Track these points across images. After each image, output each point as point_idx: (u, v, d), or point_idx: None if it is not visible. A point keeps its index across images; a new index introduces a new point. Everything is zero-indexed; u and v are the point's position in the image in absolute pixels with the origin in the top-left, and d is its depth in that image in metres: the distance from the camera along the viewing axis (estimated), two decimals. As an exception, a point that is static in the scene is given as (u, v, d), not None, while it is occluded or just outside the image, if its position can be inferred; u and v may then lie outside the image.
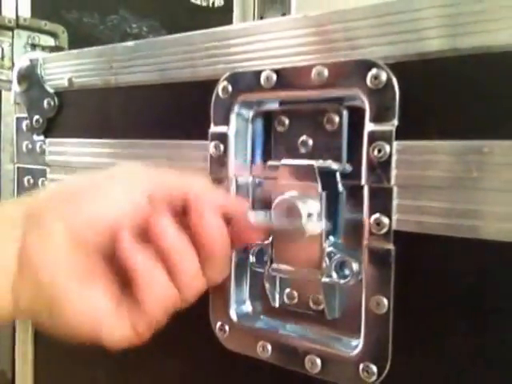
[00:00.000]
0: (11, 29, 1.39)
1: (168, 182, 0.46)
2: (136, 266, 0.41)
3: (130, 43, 0.63)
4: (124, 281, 0.42)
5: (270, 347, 0.52)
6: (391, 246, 0.44)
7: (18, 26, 1.40)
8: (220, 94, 0.54)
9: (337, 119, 0.50)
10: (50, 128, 0.73)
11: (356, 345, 0.47)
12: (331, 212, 0.49)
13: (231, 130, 0.54)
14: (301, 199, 0.49)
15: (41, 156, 0.74)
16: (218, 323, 0.55)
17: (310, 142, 0.51)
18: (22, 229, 0.42)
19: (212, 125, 0.55)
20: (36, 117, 0.73)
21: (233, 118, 0.54)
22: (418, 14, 0.43)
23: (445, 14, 0.42)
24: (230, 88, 0.54)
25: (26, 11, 1.42)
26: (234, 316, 0.55)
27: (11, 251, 0.41)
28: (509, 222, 0.39)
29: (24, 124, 0.75)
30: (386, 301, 0.45)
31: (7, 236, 0.42)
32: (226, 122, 0.54)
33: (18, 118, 0.77)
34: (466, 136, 0.41)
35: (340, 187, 0.50)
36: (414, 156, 0.43)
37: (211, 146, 0.55)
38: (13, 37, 1.40)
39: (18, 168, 0.78)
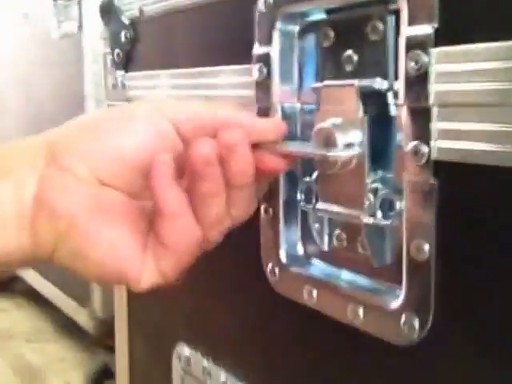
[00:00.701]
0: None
1: (195, 109, 0.43)
2: (167, 203, 0.39)
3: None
4: (150, 220, 0.41)
5: (315, 293, 0.48)
6: (431, 180, 0.37)
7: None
8: (262, 7, 0.50)
9: (381, 26, 0.42)
10: (129, 61, 0.73)
11: (398, 296, 0.41)
12: (377, 140, 0.43)
13: (274, 49, 0.49)
14: (340, 127, 0.43)
15: (123, 91, 0.75)
16: (269, 265, 0.52)
17: (355, 57, 0.45)
18: (43, 160, 0.41)
19: (256, 45, 0.51)
20: (117, 51, 0.74)
21: (276, 35, 0.49)
22: None
23: None
24: (271, 1, 0.49)
25: None
26: (284, 258, 0.51)
27: (30, 181, 0.40)
28: None
29: (109, 59, 0.77)
30: (427, 246, 0.38)
31: (28, 164, 0.41)
32: (269, 40, 0.49)
33: (104, 54, 0.78)
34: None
35: (387, 110, 0.43)
36: (456, 66, 0.35)
37: (255, 70, 0.51)
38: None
39: (109, 106, 0.80)
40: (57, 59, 1.76)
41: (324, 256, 0.50)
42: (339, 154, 0.42)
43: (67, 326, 1.95)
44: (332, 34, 0.47)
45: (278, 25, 0.49)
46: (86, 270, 0.40)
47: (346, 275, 0.48)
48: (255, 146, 0.41)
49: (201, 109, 0.43)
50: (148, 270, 0.40)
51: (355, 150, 0.42)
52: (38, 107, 1.86)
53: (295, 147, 0.43)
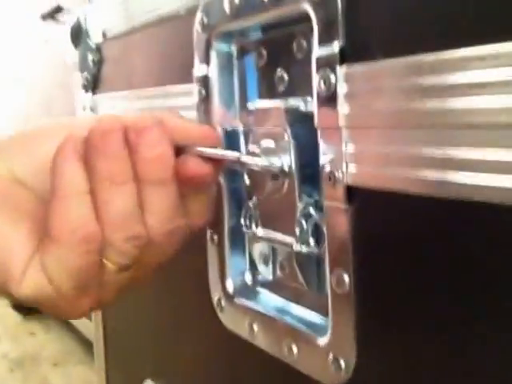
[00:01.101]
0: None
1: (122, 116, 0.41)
2: (63, 180, 0.35)
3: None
4: None
5: (256, 328, 0.46)
6: (345, 206, 0.36)
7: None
8: (198, 28, 0.49)
9: (305, 44, 0.41)
10: (97, 84, 0.73)
11: (327, 331, 0.39)
12: (304, 162, 0.41)
13: (212, 69, 0.48)
14: (269, 149, 0.42)
15: (93, 114, 0.75)
16: (216, 296, 0.51)
17: (286, 76, 0.44)
18: None
19: (196, 66, 0.50)
20: (85, 74, 0.74)
21: (213, 55, 0.48)
22: None
23: None
24: (205, 20, 0.48)
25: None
26: (230, 289, 0.50)
27: None
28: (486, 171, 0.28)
29: (79, 82, 0.77)
30: (347, 277, 0.36)
31: None
32: (208, 61, 0.49)
33: (75, 77, 0.79)
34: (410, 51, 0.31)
35: (314, 131, 0.41)
36: (362, 84, 0.34)
37: (195, 91, 0.50)
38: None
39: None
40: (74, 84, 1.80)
41: (270, 286, 0.48)
42: (252, 159, 0.41)
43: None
44: (265, 52, 0.46)
45: (215, 44, 0.48)
46: None
47: (288, 307, 0.46)
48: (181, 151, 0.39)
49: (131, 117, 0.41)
50: (33, 269, 0.36)
51: (273, 165, 0.41)
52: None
53: (214, 151, 0.41)
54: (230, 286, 0.50)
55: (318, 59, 0.36)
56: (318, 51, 0.36)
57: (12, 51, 2.29)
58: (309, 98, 0.41)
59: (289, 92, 0.43)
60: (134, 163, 0.35)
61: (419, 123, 0.31)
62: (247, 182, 0.44)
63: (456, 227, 0.31)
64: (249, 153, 0.43)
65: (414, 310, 0.34)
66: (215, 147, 0.40)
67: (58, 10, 1.66)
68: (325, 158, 0.37)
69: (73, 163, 0.35)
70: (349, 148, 0.35)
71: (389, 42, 0.33)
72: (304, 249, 0.41)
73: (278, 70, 0.44)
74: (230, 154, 0.42)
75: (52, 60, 2.00)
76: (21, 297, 0.36)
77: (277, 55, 0.44)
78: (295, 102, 0.41)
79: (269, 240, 0.45)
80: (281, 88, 0.44)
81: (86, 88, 0.74)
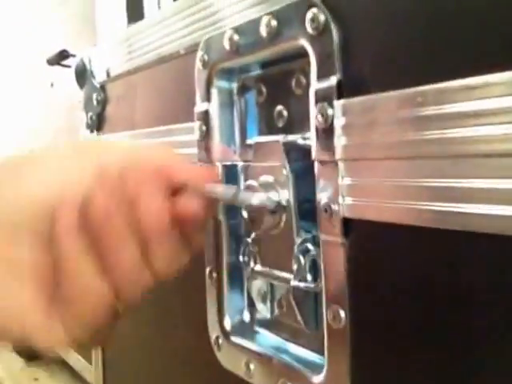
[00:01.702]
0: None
1: (118, 153, 0.41)
2: (67, 252, 0.35)
3: (138, 23, 0.61)
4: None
5: (252, 367, 0.45)
6: (341, 239, 0.35)
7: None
8: (199, 65, 0.49)
9: (304, 81, 0.41)
10: (101, 123, 0.74)
11: (322, 370, 0.38)
12: (302, 197, 0.41)
13: (213, 106, 0.49)
14: (267, 184, 0.42)
15: (96, 154, 0.75)
16: (214, 335, 0.50)
17: (285, 112, 0.44)
18: None
19: (197, 103, 0.50)
20: (90, 113, 0.75)
21: (214, 92, 0.49)
22: None
23: None
24: (206, 58, 0.48)
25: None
26: (228, 327, 0.49)
27: None
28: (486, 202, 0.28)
29: (84, 122, 0.78)
30: (342, 313, 0.36)
31: None
32: (209, 98, 0.49)
33: (80, 117, 0.79)
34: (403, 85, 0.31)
35: (311, 165, 0.41)
36: (359, 117, 0.34)
37: (196, 128, 0.50)
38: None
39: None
40: (79, 125, 1.82)
41: (268, 324, 0.48)
42: (249, 195, 0.40)
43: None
44: (264, 89, 0.46)
45: (215, 81, 0.48)
46: None
47: (284, 346, 0.45)
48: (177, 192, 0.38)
49: (128, 150, 0.41)
50: (49, 324, 0.37)
51: (269, 200, 0.40)
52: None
53: (211, 188, 0.40)
54: (227, 325, 0.49)
55: (315, 93, 0.36)
56: (315, 85, 0.36)
57: (16, 95, 2.32)
58: (307, 134, 0.42)
59: (288, 127, 0.44)
60: (134, 217, 0.35)
61: (415, 154, 0.31)
62: (245, 216, 0.43)
63: (455, 258, 0.30)
64: (246, 188, 0.43)
65: (411, 347, 0.33)
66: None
67: (64, 54, 1.69)
68: (321, 190, 0.36)
69: (72, 235, 0.35)
70: (345, 180, 0.35)
71: (384, 75, 0.33)
72: (301, 285, 0.41)
73: (278, 105, 0.44)
74: (228, 191, 0.41)
75: (57, 104, 2.02)
76: (39, 349, 0.37)
77: (276, 91, 0.45)
78: (294, 138, 0.41)
79: (267, 276, 0.45)
80: (280, 123, 0.44)
81: (90, 128, 0.75)
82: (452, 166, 0.29)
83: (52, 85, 2.11)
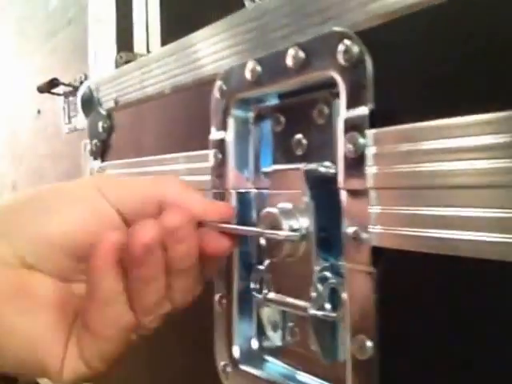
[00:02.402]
0: (143, 64, 1.46)
1: (139, 188, 0.41)
2: (101, 289, 0.35)
3: (150, 54, 0.60)
4: (78, 304, 0.38)
5: (265, 397, 0.43)
6: (370, 269, 0.34)
7: (150, 61, 1.47)
8: (216, 94, 0.48)
9: (326, 110, 0.41)
10: (106, 151, 0.72)
11: (344, 401, 0.37)
12: (325, 226, 0.40)
13: (229, 134, 0.48)
14: (287, 212, 0.41)
15: (99, 180, 0.73)
16: (222, 363, 0.48)
17: (304, 141, 0.43)
18: None
19: (212, 131, 0.49)
20: (94, 141, 0.73)
21: (230, 121, 0.48)
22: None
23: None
24: (224, 87, 0.47)
25: (156, 46, 1.48)
26: (237, 355, 0.47)
27: None
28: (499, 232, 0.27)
29: (88, 149, 0.76)
30: (369, 343, 0.34)
31: None
32: (225, 126, 0.48)
33: (84, 144, 0.78)
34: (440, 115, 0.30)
35: (333, 194, 0.40)
36: (391, 146, 0.33)
37: (211, 156, 0.49)
38: (145, 72, 1.47)
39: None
40: (65, 152, 1.79)
41: (278, 352, 0.46)
42: (277, 233, 0.39)
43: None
44: (283, 118, 0.45)
45: (233, 111, 0.47)
46: (1, 361, 0.36)
47: (294, 375, 0.43)
48: (199, 225, 0.38)
49: (145, 187, 0.41)
50: (71, 360, 0.36)
51: (294, 234, 0.39)
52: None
53: (237, 226, 0.40)
54: (236, 353, 0.47)
55: (345, 122, 0.35)
56: (345, 114, 0.36)
57: (3, 121, 2.29)
58: (326, 162, 0.41)
59: (307, 156, 0.43)
60: (167, 257, 0.35)
61: (446, 185, 0.30)
62: (263, 244, 0.42)
63: (485, 287, 0.29)
64: (265, 215, 0.42)
65: (442, 378, 0.31)
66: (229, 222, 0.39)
67: (55, 82, 1.66)
68: (349, 218, 0.35)
69: (111, 270, 0.35)
70: (375, 209, 0.34)
71: (418, 106, 0.32)
72: (320, 313, 0.39)
73: (297, 134, 0.43)
74: (252, 231, 0.41)
75: (44, 131, 1.99)
76: (59, 379, 0.36)
77: (295, 121, 0.44)
78: (315, 166, 0.40)
79: (280, 304, 0.43)
80: (298, 152, 0.44)
81: (94, 154, 0.73)
82: (487, 197, 0.28)
83: (39, 112, 2.09)
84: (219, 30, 0.48)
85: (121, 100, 0.68)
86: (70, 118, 1.74)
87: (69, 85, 1.58)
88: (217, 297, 0.49)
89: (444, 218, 0.30)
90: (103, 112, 0.71)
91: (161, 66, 0.57)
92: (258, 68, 0.43)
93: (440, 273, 0.31)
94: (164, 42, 1.52)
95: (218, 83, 0.48)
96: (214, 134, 0.49)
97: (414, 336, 0.33)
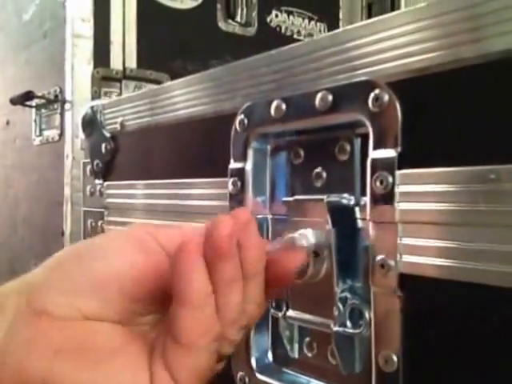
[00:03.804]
0: (119, 80, 1.47)
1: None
2: (193, 292, 0.32)
3: (167, 83, 0.62)
4: (147, 341, 0.34)
5: (285, 406, 0.46)
6: (398, 292, 0.38)
7: (125, 77, 1.48)
8: (237, 127, 0.51)
9: (348, 148, 0.44)
10: (108, 171, 0.74)
11: (368, 409, 0.40)
12: (344, 251, 0.43)
13: (248, 165, 0.50)
14: (308, 238, 0.44)
15: (100, 199, 0.75)
16: (239, 373, 0.51)
17: (324, 174, 0.46)
18: (13, 307, 0.34)
19: (232, 161, 0.52)
20: (96, 161, 0.75)
21: (250, 152, 0.50)
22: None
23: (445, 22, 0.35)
24: (246, 121, 0.50)
25: (132, 62, 1.50)
26: (254, 367, 0.50)
27: None
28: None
29: (88, 169, 0.77)
30: (395, 357, 0.38)
31: None
32: (244, 157, 0.51)
33: (84, 163, 0.79)
34: (471, 162, 0.34)
35: (353, 223, 0.44)
36: (418, 187, 0.37)
37: (230, 183, 0.52)
38: (121, 87, 1.48)
39: (84, 211, 0.79)
40: (35, 164, 1.77)
41: (294, 364, 0.49)
42: (320, 267, 0.42)
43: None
44: (302, 152, 0.48)
45: (253, 143, 0.50)
46: None
47: (315, 385, 0.46)
48: None
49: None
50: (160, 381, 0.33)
51: (332, 262, 0.42)
52: (12, 208, 1.84)
53: None
54: (254, 364, 0.50)
55: (373, 161, 0.39)
56: (373, 154, 0.39)
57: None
58: (345, 194, 0.44)
59: (325, 188, 0.46)
60: (241, 261, 0.34)
61: (466, 222, 0.34)
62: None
63: (505, 313, 0.33)
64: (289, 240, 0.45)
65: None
66: None
67: (30, 95, 1.64)
68: (377, 247, 0.39)
69: (200, 269, 0.33)
70: (403, 240, 0.37)
71: (443, 152, 0.36)
72: (341, 330, 0.42)
73: (316, 168, 0.46)
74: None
75: (12, 142, 1.96)
76: None
77: (316, 155, 0.47)
78: (336, 197, 0.44)
79: (301, 321, 0.46)
80: (317, 184, 0.47)
81: (96, 175, 0.75)
82: (503, 234, 0.32)
83: (8, 123, 2.05)
84: (243, 68, 0.51)
85: (127, 124, 0.69)
86: (41, 130, 1.72)
87: (43, 97, 1.57)
88: (235, 313, 0.51)
89: (465, 250, 0.34)
90: (107, 134, 0.73)
91: (177, 96, 0.59)
92: (284, 106, 0.46)
93: (460, 296, 0.35)
94: (140, 58, 1.54)
95: (239, 117, 0.51)
96: (234, 164, 0.51)
97: (436, 351, 0.36)
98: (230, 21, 1.75)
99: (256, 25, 1.80)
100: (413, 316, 0.37)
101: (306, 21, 1.96)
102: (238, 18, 1.77)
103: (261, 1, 1.81)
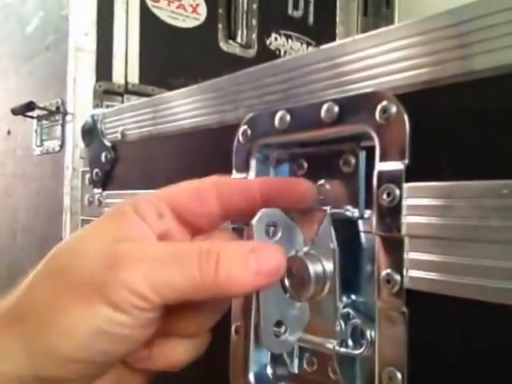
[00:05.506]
0: (121, 94, 1.46)
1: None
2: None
3: (169, 93, 0.60)
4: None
5: (283, 422, 0.44)
6: (403, 308, 0.36)
7: (127, 91, 1.47)
8: (240, 138, 0.49)
9: (353, 160, 0.42)
10: (108, 181, 0.72)
11: (370, 429, 0.38)
12: (348, 267, 0.41)
13: (251, 176, 0.48)
14: (310, 255, 0.42)
15: (99, 208, 0.72)
16: (237, 388, 0.48)
17: (328, 186, 0.44)
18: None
19: (234, 171, 0.50)
20: (96, 170, 0.73)
21: (253, 163, 0.49)
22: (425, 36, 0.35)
23: (456, 34, 0.34)
24: (249, 132, 0.48)
25: (134, 78, 1.49)
26: (253, 381, 0.48)
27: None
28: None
29: (87, 178, 0.75)
30: (399, 374, 0.36)
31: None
32: (247, 168, 0.49)
33: (82, 172, 0.77)
34: (482, 176, 0.32)
35: (357, 236, 0.42)
36: (426, 200, 0.35)
37: (231, 194, 0.50)
38: (122, 102, 1.47)
39: (82, 220, 0.77)
40: (35, 174, 1.75)
41: (294, 379, 0.47)
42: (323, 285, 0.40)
43: None
44: (306, 164, 0.46)
45: (255, 154, 0.48)
46: None
47: (314, 401, 0.44)
48: None
49: None
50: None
51: (335, 280, 0.40)
52: (12, 217, 1.81)
53: None
54: (252, 379, 0.48)
55: (380, 174, 0.37)
56: (379, 166, 0.37)
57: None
58: (348, 206, 0.42)
59: (328, 200, 0.44)
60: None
61: (475, 238, 0.32)
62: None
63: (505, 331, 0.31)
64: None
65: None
66: None
67: (32, 106, 1.62)
68: (383, 262, 0.37)
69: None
70: (410, 255, 0.35)
71: (452, 166, 0.34)
72: (343, 349, 0.40)
73: (320, 180, 0.45)
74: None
75: (13, 151, 1.94)
76: None
77: (319, 167, 0.45)
78: (340, 209, 0.42)
79: (303, 342, 0.44)
80: (320, 196, 0.45)
81: (95, 184, 0.73)
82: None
83: (9, 132, 2.03)
84: (247, 79, 0.49)
85: (128, 133, 0.67)
86: (42, 140, 1.70)
87: (44, 108, 1.55)
88: (233, 326, 0.49)
89: (475, 267, 0.32)
90: (107, 143, 0.71)
91: (180, 105, 0.57)
92: (288, 117, 0.44)
93: (469, 314, 0.33)
94: (142, 74, 1.52)
95: (242, 127, 0.49)
96: (236, 175, 0.50)
97: (443, 369, 0.34)
98: (231, 41, 1.74)
99: (256, 47, 1.80)
100: (419, 333, 0.35)
101: (304, 46, 1.96)
102: (239, 39, 1.77)
103: (261, 23, 1.81)
